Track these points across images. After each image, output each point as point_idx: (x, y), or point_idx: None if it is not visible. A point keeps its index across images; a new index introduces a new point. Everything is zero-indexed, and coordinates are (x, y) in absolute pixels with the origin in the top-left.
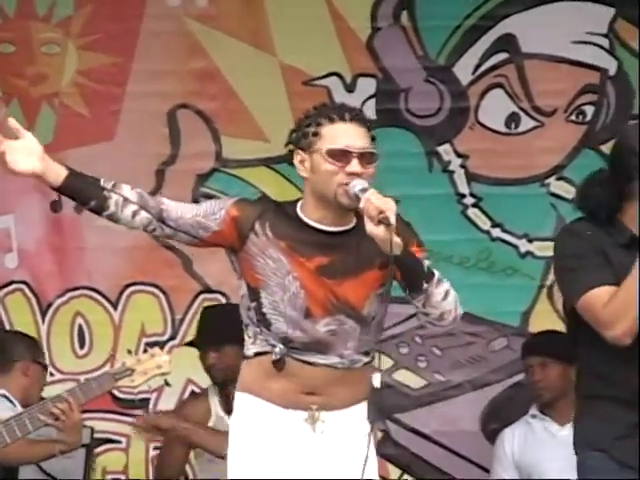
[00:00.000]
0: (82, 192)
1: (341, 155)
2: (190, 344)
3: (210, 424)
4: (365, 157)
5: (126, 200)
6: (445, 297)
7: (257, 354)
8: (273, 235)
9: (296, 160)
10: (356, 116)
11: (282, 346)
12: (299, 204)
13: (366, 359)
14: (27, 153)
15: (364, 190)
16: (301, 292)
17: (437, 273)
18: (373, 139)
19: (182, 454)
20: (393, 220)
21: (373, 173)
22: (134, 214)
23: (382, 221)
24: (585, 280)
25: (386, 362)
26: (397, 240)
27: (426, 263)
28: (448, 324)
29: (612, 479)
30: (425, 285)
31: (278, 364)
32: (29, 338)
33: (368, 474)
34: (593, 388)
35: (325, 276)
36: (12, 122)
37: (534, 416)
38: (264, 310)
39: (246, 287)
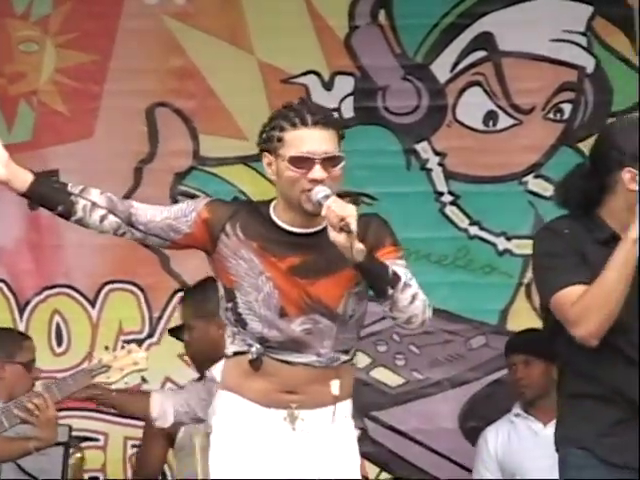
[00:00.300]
0: (49, 198)
1: (303, 162)
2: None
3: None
4: (329, 161)
5: (94, 205)
6: (412, 301)
7: (236, 353)
8: (244, 236)
9: (264, 162)
10: (320, 120)
11: (259, 346)
12: (272, 204)
13: (345, 357)
14: None
15: (326, 197)
16: (275, 292)
17: (404, 277)
18: (342, 137)
19: (161, 452)
20: (354, 227)
21: (339, 175)
22: (102, 218)
23: (343, 228)
24: (558, 279)
25: (364, 360)
26: (359, 246)
27: (400, 263)
28: (416, 327)
29: (594, 478)
30: (390, 291)
31: (255, 363)
32: (7, 336)
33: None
34: (575, 386)
35: (297, 276)
36: None
37: (517, 415)
38: (239, 310)
39: (222, 288)
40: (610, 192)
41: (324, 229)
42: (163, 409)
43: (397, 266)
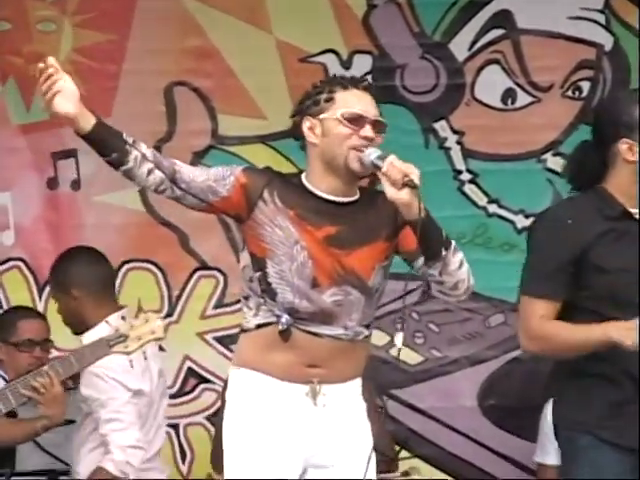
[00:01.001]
0: (106, 142)
1: (356, 119)
2: None
3: None
4: (377, 125)
5: (144, 157)
6: (460, 266)
7: (259, 326)
8: (282, 203)
9: (305, 127)
10: (369, 86)
11: (288, 316)
12: (303, 175)
13: (367, 332)
14: (66, 95)
15: (382, 158)
16: (309, 262)
17: (453, 241)
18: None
19: None
20: (418, 182)
21: (380, 143)
22: (149, 172)
23: (407, 184)
24: (535, 285)
25: (383, 338)
26: (421, 204)
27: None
28: (461, 294)
29: (599, 460)
30: (444, 252)
31: (284, 334)
32: (7, 316)
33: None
34: (579, 365)
35: (333, 246)
36: (51, 61)
37: None
38: (270, 280)
39: (250, 258)
40: (612, 166)
41: (357, 201)
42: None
43: None
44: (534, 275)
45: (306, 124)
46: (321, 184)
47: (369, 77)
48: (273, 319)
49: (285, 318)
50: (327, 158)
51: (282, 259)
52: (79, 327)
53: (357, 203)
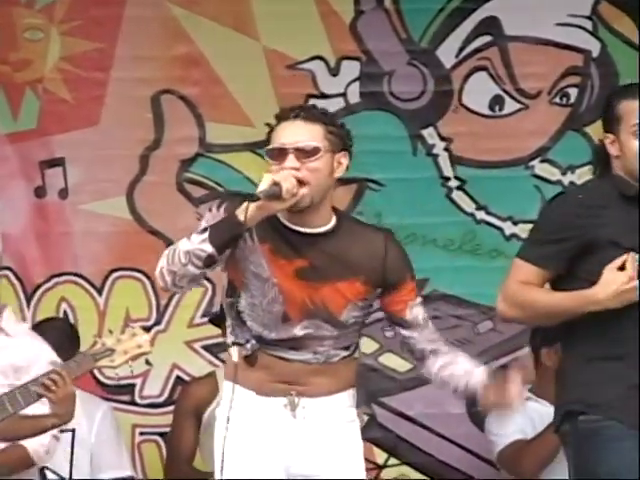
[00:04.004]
0: None
1: (277, 154)
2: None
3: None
4: (303, 152)
5: None
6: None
7: (234, 343)
8: (258, 240)
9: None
10: (300, 113)
11: (254, 342)
12: None
13: (345, 353)
14: None
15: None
16: (279, 297)
17: (431, 328)
18: (334, 134)
19: (193, 432)
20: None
21: (317, 168)
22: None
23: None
24: (527, 249)
25: (372, 346)
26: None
27: (418, 303)
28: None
29: (617, 441)
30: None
31: (249, 359)
32: None
33: (354, 461)
34: (593, 348)
35: (304, 279)
36: None
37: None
38: (240, 308)
39: (227, 282)
40: (613, 158)
41: (336, 229)
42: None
43: (416, 307)
44: (530, 240)
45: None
46: (286, 215)
47: (356, 83)
48: (242, 341)
49: (251, 344)
50: None
51: (254, 294)
52: None
53: (335, 233)
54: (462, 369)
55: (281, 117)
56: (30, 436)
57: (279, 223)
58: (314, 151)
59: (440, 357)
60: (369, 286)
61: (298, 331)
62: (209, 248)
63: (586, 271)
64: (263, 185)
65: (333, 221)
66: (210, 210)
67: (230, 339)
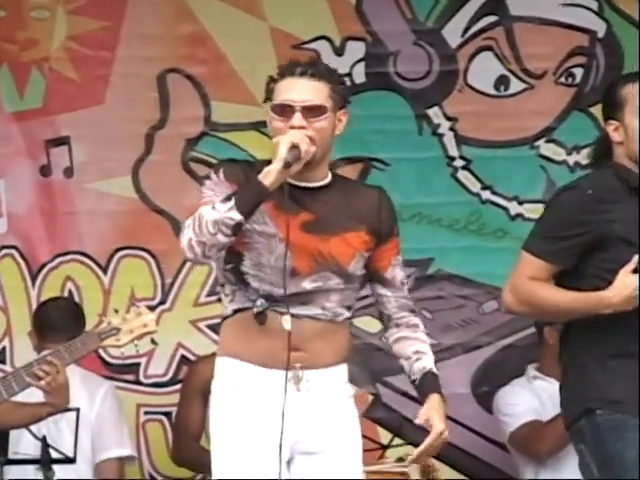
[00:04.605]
0: None
1: (283, 109)
2: None
3: None
4: (310, 111)
5: None
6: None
7: (236, 311)
8: None
9: (267, 120)
10: (307, 70)
11: (263, 300)
12: None
13: (348, 314)
14: None
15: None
16: (287, 252)
17: (409, 303)
18: (337, 92)
19: (201, 411)
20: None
21: (322, 127)
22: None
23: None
24: (535, 242)
25: (376, 325)
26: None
27: (400, 261)
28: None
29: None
30: None
31: (260, 317)
32: None
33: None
34: (611, 346)
35: (311, 232)
36: None
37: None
38: (244, 270)
39: (224, 251)
40: (615, 145)
41: (332, 184)
42: None
43: (397, 267)
44: (538, 233)
45: (268, 118)
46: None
47: (362, 64)
48: (249, 304)
49: (260, 301)
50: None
51: (261, 252)
52: None
53: (332, 187)
54: (412, 350)
55: (286, 71)
56: (25, 424)
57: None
58: (321, 111)
59: (400, 330)
60: (372, 236)
61: (307, 284)
62: (237, 216)
63: (595, 267)
64: (283, 149)
65: (330, 176)
66: (209, 178)
67: (230, 308)
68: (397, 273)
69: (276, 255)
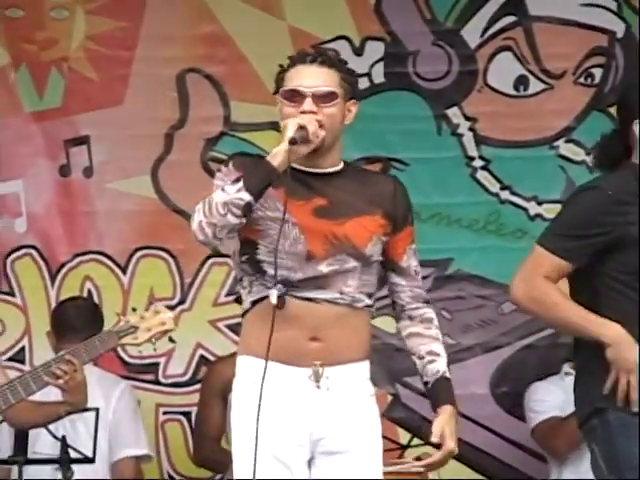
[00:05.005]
0: None
1: (293, 95)
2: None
3: None
4: (321, 97)
5: None
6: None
7: (255, 302)
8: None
9: (277, 108)
10: (317, 58)
11: (281, 285)
12: None
13: (368, 301)
14: None
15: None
16: (301, 237)
17: (420, 289)
18: (347, 82)
19: (221, 412)
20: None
21: (333, 113)
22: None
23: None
24: (552, 239)
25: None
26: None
27: (414, 250)
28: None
29: None
30: None
31: (279, 302)
32: None
33: (376, 438)
34: None
35: (324, 217)
36: None
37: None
38: (260, 258)
39: (239, 243)
40: (632, 147)
41: (344, 170)
42: None
43: (412, 255)
44: (555, 230)
45: (278, 106)
46: (301, 160)
47: (381, 64)
48: (266, 292)
49: (278, 287)
50: None
51: (275, 238)
52: None
53: (345, 174)
54: (426, 350)
55: (297, 60)
56: (44, 423)
57: (290, 167)
58: (331, 97)
59: (414, 323)
60: (388, 220)
61: (324, 268)
62: (247, 196)
63: (611, 268)
64: (291, 130)
65: (342, 164)
66: (219, 170)
67: (249, 300)
68: (412, 262)
69: (290, 240)
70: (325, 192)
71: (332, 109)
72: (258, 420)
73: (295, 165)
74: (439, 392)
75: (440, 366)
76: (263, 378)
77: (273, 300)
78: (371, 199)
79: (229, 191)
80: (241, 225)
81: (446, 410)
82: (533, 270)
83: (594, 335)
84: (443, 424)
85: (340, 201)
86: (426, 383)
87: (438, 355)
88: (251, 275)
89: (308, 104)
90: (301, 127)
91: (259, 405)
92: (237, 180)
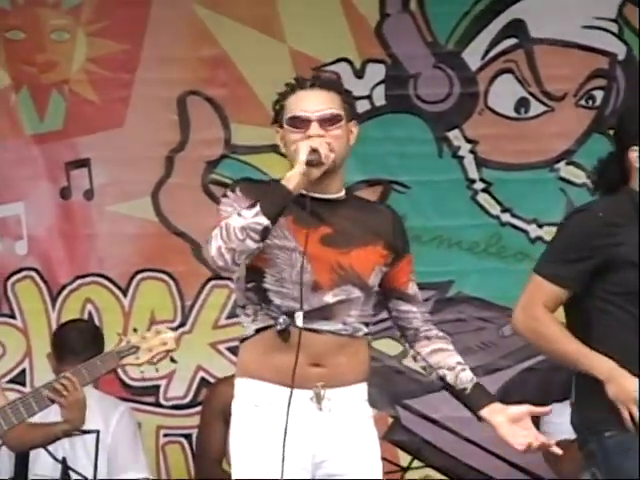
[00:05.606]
0: None
1: (298, 122)
2: None
3: None
4: (327, 120)
5: None
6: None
7: (259, 330)
8: None
9: (277, 138)
10: (317, 82)
11: (286, 317)
12: None
13: (366, 329)
14: None
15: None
16: (307, 266)
17: (424, 313)
18: (347, 103)
19: (222, 433)
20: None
21: (339, 135)
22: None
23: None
24: (548, 266)
25: (396, 348)
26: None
27: (414, 277)
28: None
29: None
30: None
31: (283, 334)
32: None
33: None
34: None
35: (330, 246)
36: None
37: None
38: (266, 287)
39: (244, 270)
40: (630, 172)
41: (348, 199)
42: None
43: (415, 282)
44: (551, 257)
45: (277, 135)
46: (308, 186)
47: (382, 86)
48: (272, 322)
49: (283, 318)
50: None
51: (282, 267)
52: None
53: (347, 202)
54: (454, 360)
55: (296, 86)
56: (42, 444)
57: (297, 194)
58: (336, 119)
59: (433, 342)
60: (390, 251)
61: (330, 298)
62: (264, 220)
63: (601, 289)
64: (303, 153)
65: (344, 190)
66: (226, 196)
67: (252, 328)
68: (416, 288)
69: (297, 269)
70: (331, 220)
71: (338, 131)
72: (284, 447)
73: (302, 191)
74: (481, 394)
75: (471, 373)
76: (289, 405)
77: (299, 323)
78: (373, 229)
79: (246, 216)
80: (258, 250)
81: (497, 405)
82: (531, 299)
83: (588, 370)
84: (507, 420)
85: (345, 230)
86: (463, 390)
87: (465, 365)
88: (256, 304)
89: (315, 128)
90: (313, 150)
91: (285, 429)
92: (253, 205)
